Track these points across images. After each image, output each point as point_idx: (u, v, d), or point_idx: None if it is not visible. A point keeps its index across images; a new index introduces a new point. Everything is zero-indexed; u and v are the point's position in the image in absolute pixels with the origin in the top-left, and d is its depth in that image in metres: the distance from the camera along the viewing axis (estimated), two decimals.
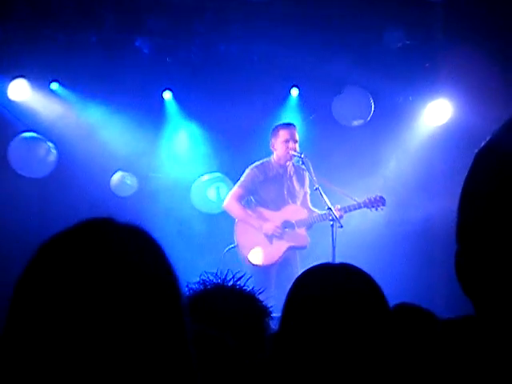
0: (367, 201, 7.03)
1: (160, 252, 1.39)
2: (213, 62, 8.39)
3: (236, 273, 2.61)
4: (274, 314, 2.35)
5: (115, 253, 1.32)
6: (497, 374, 0.97)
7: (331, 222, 6.73)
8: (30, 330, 1.24)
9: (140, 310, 1.28)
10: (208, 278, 2.56)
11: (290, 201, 7.24)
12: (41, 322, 1.23)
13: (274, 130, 7.24)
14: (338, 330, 1.85)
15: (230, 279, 2.57)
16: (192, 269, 7.21)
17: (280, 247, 7.10)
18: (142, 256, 1.35)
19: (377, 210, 7.08)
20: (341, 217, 6.81)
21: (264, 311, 2.49)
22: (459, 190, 1.04)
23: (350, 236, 7.44)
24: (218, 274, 2.56)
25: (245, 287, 2.55)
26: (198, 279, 2.54)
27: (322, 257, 6.07)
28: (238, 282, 2.57)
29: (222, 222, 7.76)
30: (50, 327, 1.23)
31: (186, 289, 2.46)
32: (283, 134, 7.11)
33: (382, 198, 7.09)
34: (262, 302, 2.51)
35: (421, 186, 8.32)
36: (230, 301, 2.44)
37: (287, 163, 7.22)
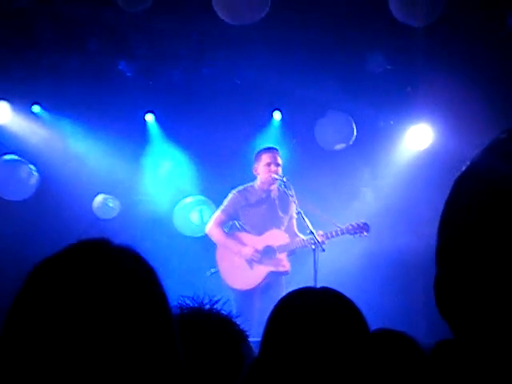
0: (350, 227, 6.97)
1: (151, 271, 1.43)
2: (196, 85, 8.42)
3: (213, 296, 2.60)
4: (255, 339, 2.34)
5: (112, 272, 1.35)
6: None
7: (313, 247, 6.70)
8: (29, 341, 1.26)
9: (133, 326, 1.32)
10: (185, 301, 2.55)
11: (273, 226, 7.22)
12: (39, 336, 1.26)
13: (256, 154, 7.22)
14: (318, 353, 1.84)
15: (207, 303, 2.56)
16: (172, 292, 7.20)
17: (260, 272, 7.08)
18: (135, 275, 1.39)
19: (360, 236, 7.02)
20: (323, 242, 6.77)
21: (240, 336, 2.48)
22: (439, 215, 1.05)
23: (333, 261, 7.44)
24: (195, 297, 2.55)
25: (222, 311, 2.54)
26: (174, 303, 2.53)
27: (304, 281, 6.05)
28: (216, 306, 2.56)
29: (205, 245, 7.73)
30: (48, 343, 1.25)
31: None
32: (265, 158, 7.10)
33: (365, 224, 7.02)
34: (238, 326, 2.50)
35: (401, 210, 8.34)
36: (206, 325, 2.43)
37: (271, 187, 7.20)
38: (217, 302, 2.57)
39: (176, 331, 1.42)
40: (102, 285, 1.32)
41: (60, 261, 1.36)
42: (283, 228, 7.25)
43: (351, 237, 7.01)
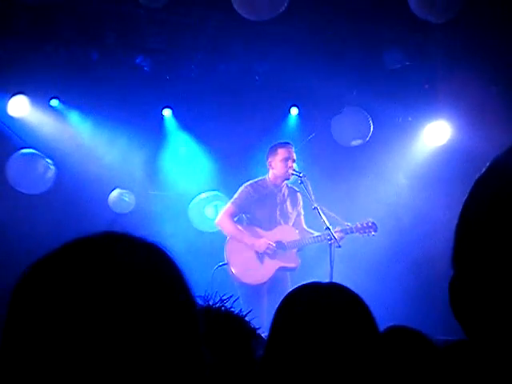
0: (359, 226, 6.97)
1: (174, 266, 1.41)
2: (213, 80, 8.41)
3: (223, 295, 2.60)
4: (264, 334, 2.34)
5: (132, 266, 1.30)
6: None
7: (329, 242, 6.70)
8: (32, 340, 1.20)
9: (155, 322, 1.27)
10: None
11: (281, 221, 7.20)
12: (49, 331, 1.20)
13: (271, 148, 7.20)
14: (324, 348, 1.84)
15: (217, 301, 2.55)
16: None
17: (270, 267, 7.06)
18: (158, 270, 1.36)
19: (368, 235, 7.01)
20: (341, 238, 6.77)
21: (251, 333, 2.48)
22: (457, 213, 1.03)
23: (350, 257, 7.43)
24: (204, 296, 2.55)
25: (232, 309, 2.53)
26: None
27: (320, 277, 6.03)
28: (226, 304, 2.55)
29: (220, 240, 7.74)
30: (60, 337, 1.20)
31: None
32: (282, 153, 7.07)
33: (373, 224, 7.01)
34: (249, 323, 2.50)
35: (419, 207, 8.31)
36: (216, 324, 2.43)
37: (283, 183, 7.19)
38: (227, 299, 2.57)
39: (201, 332, 1.37)
40: (118, 277, 1.26)
41: (73, 254, 1.31)
42: (291, 224, 7.24)
43: (360, 236, 7.00)
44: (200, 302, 2.51)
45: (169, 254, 1.42)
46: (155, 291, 1.30)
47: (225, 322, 2.44)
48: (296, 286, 2.03)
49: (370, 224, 6.99)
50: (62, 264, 1.28)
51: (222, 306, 2.52)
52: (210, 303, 2.53)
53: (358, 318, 1.90)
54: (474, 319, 0.96)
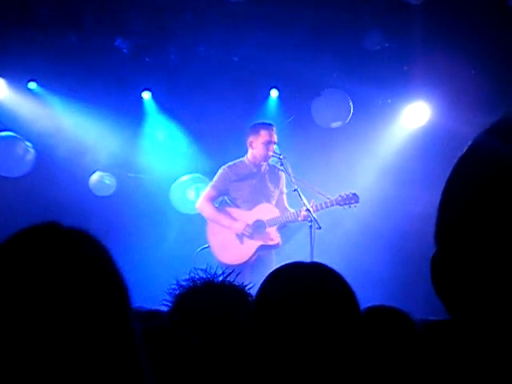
0: (340, 198, 7.00)
1: (106, 257, 1.39)
2: (192, 62, 8.38)
3: (225, 269, 2.64)
4: None
5: (58, 259, 1.31)
6: (471, 378, 0.98)
7: (310, 223, 6.73)
8: None
9: (81, 314, 1.27)
10: (197, 274, 2.57)
11: (263, 200, 7.23)
12: None
13: (253, 128, 7.17)
14: (306, 328, 1.85)
15: (220, 275, 2.58)
16: (168, 269, 7.18)
17: (251, 246, 7.09)
18: (85, 261, 1.34)
19: (350, 207, 7.04)
20: (318, 210, 6.83)
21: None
22: (437, 193, 1.05)
23: (329, 236, 7.46)
24: (189, 276, 2.57)
25: (234, 282, 2.56)
26: (187, 276, 2.55)
27: (300, 258, 6.04)
28: (228, 279, 2.58)
29: (202, 223, 7.74)
30: None
31: (175, 286, 2.48)
32: (264, 135, 7.06)
33: (354, 195, 7.05)
34: (251, 296, 2.52)
35: (398, 187, 8.34)
36: (220, 296, 2.46)
37: (262, 163, 7.21)
38: (229, 274, 2.60)
39: (134, 324, 1.36)
40: (45, 271, 1.27)
41: (4, 249, 1.33)
42: (273, 202, 7.26)
43: (341, 208, 7.03)
44: (202, 275, 2.53)
45: (98, 241, 1.41)
46: (78, 276, 1.30)
47: (228, 295, 2.47)
48: (278, 266, 2.04)
49: (350, 195, 7.03)
50: None
51: (225, 279, 2.55)
52: (213, 277, 2.56)
53: (340, 296, 1.91)
54: (455, 295, 0.97)
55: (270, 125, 7.21)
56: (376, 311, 2.41)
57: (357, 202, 7.04)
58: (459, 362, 1.00)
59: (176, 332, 2.12)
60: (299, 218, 6.91)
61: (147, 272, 7.85)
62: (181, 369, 1.94)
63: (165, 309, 2.55)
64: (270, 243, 7.15)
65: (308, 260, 2.11)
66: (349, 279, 1.98)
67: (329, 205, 6.95)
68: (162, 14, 7.99)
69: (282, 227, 7.22)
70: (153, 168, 8.63)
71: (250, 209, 7.19)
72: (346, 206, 7.02)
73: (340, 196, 7.00)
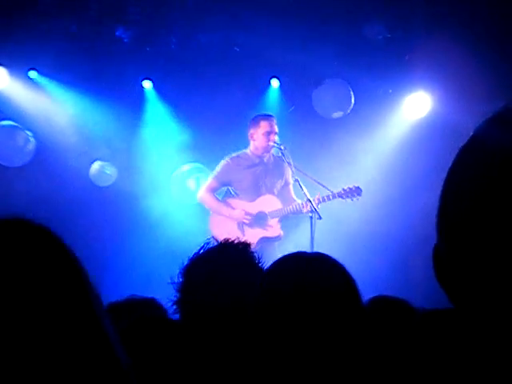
0: (342, 191, 7.01)
1: (55, 248, 1.34)
2: (193, 51, 8.36)
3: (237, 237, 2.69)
4: None
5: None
6: (474, 369, 0.98)
7: (310, 214, 6.74)
8: None
9: (39, 308, 1.24)
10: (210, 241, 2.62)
11: (265, 191, 7.24)
12: None
13: (253, 120, 7.22)
14: (309, 318, 1.85)
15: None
16: (167, 259, 7.19)
17: (252, 237, 7.09)
18: (27, 253, 1.31)
19: (352, 200, 7.05)
20: (319, 202, 6.83)
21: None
22: (439, 184, 1.05)
23: (331, 227, 7.46)
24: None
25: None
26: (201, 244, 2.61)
27: (301, 248, 6.06)
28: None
29: (202, 212, 7.74)
30: None
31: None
32: (264, 126, 7.10)
33: (357, 188, 7.06)
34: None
35: (400, 179, 8.33)
36: (234, 252, 2.50)
37: (264, 154, 7.22)
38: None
39: (101, 314, 1.31)
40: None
41: None
42: (276, 193, 7.27)
43: (344, 201, 7.03)
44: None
45: (46, 231, 1.36)
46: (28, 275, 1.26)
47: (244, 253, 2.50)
48: (280, 257, 2.04)
49: (353, 188, 7.04)
50: None
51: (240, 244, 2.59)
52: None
53: (343, 287, 1.92)
54: (458, 283, 0.97)
55: (270, 116, 7.24)
56: (378, 302, 2.41)
57: (359, 195, 7.05)
58: (461, 351, 1.00)
59: (170, 320, 2.12)
60: (304, 210, 6.90)
61: (148, 264, 7.86)
62: (174, 358, 1.94)
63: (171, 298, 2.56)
64: (272, 235, 7.17)
65: (309, 251, 2.11)
66: (350, 271, 1.98)
67: (331, 197, 6.96)
68: (162, 3, 7.97)
69: (284, 219, 7.23)
70: (154, 157, 8.62)
71: (252, 200, 7.20)
72: (349, 199, 7.03)
73: (343, 189, 7.01)
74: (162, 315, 2.67)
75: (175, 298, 2.46)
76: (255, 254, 2.55)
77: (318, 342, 1.83)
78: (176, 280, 2.48)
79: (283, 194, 7.32)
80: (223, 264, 2.45)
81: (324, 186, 7.00)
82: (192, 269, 2.48)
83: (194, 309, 2.37)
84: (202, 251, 2.55)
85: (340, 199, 7.02)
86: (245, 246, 2.57)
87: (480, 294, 0.95)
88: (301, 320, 1.85)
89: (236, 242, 2.60)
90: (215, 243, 2.59)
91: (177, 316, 2.45)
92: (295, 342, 1.84)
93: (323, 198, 6.93)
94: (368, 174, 8.19)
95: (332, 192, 6.98)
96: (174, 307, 2.45)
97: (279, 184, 7.31)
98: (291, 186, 7.35)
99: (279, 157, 7.20)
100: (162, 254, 7.75)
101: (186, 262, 2.52)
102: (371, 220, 8.18)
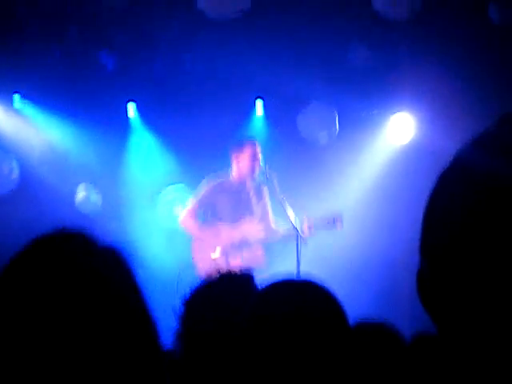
0: (325, 220, 7.01)
1: (127, 270, 1.39)
2: (177, 75, 8.38)
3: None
4: None
5: (83, 268, 1.31)
6: None
7: (296, 235, 6.72)
8: None
9: (102, 325, 1.26)
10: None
11: (246, 217, 7.21)
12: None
13: (237, 144, 7.23)
14: (297, 346, 1.83)
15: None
16: (153, 282, 7.13)
17: (236, 266, 7.06)
18: (109, 272, 1.34)
19: (335, 228, 7.05)
20: (309, 228, 6.81)
21: None
22: (422, 206, 1.04)
23: (315, 254, 7.44)
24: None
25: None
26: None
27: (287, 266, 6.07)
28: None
29: (184, 236, 7.70)
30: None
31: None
32: (249, 150, 7.11)
33: (339, 217, 7.05)
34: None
35: (384, 201, 8.35)
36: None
37: (248, 178, 7.21)
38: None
39: (157, 339, 1.36)
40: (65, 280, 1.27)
41: (24, 256, 1.34)
42: (257, 217, 7.23)
43: (326, 230, 7.02)
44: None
45: (123, 256, 1.40)
46: (103, 294, 1.29)
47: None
48: (268, 283, 2.02)
49: (335, 218, 7.02)
50: (15, 264, 1.30)
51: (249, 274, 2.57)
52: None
53: (332, 315, 1.90)
54: (442, 307, 0.97)
55: (253, 140, 7.26)
56: (364, 327, 2.40)
57: (341, 224, 7.02)
58: (447, 376, 0.99)
59: (170, 352, 2.11)
60: (290, 236, 6.87)
61: None
62: None
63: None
64: (256, 263, 7.08)
65: (294, 273, 2.10)
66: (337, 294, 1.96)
67: (313, 227, 6.92)
68: (146, 27, 7.99)
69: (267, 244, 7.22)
70: (138, 180, 8.60)
71: (233, 224, 7.15)
72: (330, 228, 7.02)
73: (325, 218, 6.99)
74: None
75: (176, 330, 2.43)
76: (258, 286, 2.53)
77: (306, 370, 1.82)
78: (177, 311, 2.46)
79: (263, 220, 7.30)
80: (227, 296, 2.43)
81: (307, 214, 6.95)
82: (194, 300, 2.46)
83: (195, 341, 2.35)
84: (204, 282, 2.53)
85: (323, 229, 6.99)
86: (248, 278, 2.55)
87: (465, 318, 0.94)
88: (288, 348, 1.83)
89: (239, 273, 2.58)
90: (217, 274, 2.57)
91: (176, 348, 2.42)
92: (283, 370, 1.82)
93: (310, 224, 6.90)
94: (353, 198, 8.21)
95: (315, 220, 6.94)
96: (174, 339, 2.42)
97: (259, 210, 7.29)
98: (270, 212, 7.33)
99: (258, 182, 7.20)
100: (146, 279, 7.68)
101: (187, 293, 2.50)
102: (355, 245, 8.17)
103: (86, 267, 1.31)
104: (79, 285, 1.27)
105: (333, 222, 6.98)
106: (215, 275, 2.54)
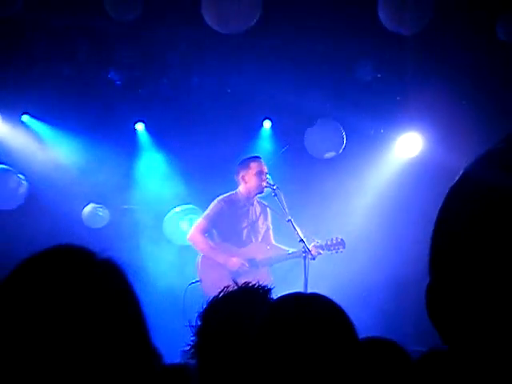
0: (328, 243, 7.01)
1: (125, 281, 1.42)
2: (185, 94, 8.41)
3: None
4: None
5: (81, 281, 1.35)
6: None
7: (303, 254, 6.71)
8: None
9: (101, 333, 1.31)
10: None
11: (252, 236, 7.21)
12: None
13: (242, 163, 7.21)
14: (308, 359, 1.83)
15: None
16: (160, 299, 7.11)
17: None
18: (107, 283, 1.39)
19: (337, 252, 7.05)
20: (319, 253, 6.81)
21: None
22: (431, 223, 1.05)
23: (322, 273, 7.42)
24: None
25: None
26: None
27: (294, 288, 6.01)
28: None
29: (194, 254, 7.69)
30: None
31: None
32: (255, 167, 7.09)
33: (342, 240, 7.06)
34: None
35: (392, 218, 8.33)
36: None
37: (255, 197, 7.20)
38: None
39: (151, 348, 1.39)
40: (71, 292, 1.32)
41: (27, 267, 1.39)
42: (260, 238, 7.25)
43: (328, 253, 7.03)
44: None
45: (122, 269, 1.45)
46: (99, 301, 1.34)
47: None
48: (277, 297, 2.03)
49: (338, 240, 7.03)
50: (16, 277, 1.35)
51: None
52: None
53: (341, 328, 1.90)
54: (450, 322, 0.97)
55: (258, 157, 7.26)
56: (371, 341, 2.40)
57: (343, 247, 7.04)
58: None
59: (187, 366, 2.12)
60: (298, 254, 6.86)
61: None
62: None
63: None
64: (262, 282, 7.02)
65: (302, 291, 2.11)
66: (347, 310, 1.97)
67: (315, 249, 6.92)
68: (154, 46, 8.03)
69: (271, 266, 7.21)
70: (146, 199, 8.61)
71: (239, 245, 7.14)
72: (334, 251, 7.03)
73: (327, 240, 7.00)
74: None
75: (192, 342, 2.43)
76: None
77: (319, 378, 1.82)
78: (194, 323, 2.46)
79: (265, 239, 7.30)
80: (243, 309, 2.43)
81: (310, 237, 6.95)
82: (211, 313, 2.46)
83: (212, 354, 2.34)
84: (221, 295, 2.53)
85: (325, 251, 6.99)
86: (265, 291, 2.55)
87: (474, 333, 0.94)
88: (298, 362, 1.83)
89: (256, 286, 2.58)
90: (234, 287, 2.57)
91: (193, 361, 2.42)
92: (296, 376, 1.82)
93: (316, 247, 6.91)
94: (360, 214, 8.20)
95: (319, 243, 6.95)
96: (191, 352, 2.42)
97: (263, 229, 7.30)
98: (271, 231, 7.36)
99: (261, 202, 7.21)
100: (153, 296, 7.69)
101: (204, 306, 2.50)
102: (362, 262, 8.14)
103: (83, 277, 1.35)
104: (76, 293, 1.32)
105: (335, 244, 7.00)
106: (232, 288, 2.54)
